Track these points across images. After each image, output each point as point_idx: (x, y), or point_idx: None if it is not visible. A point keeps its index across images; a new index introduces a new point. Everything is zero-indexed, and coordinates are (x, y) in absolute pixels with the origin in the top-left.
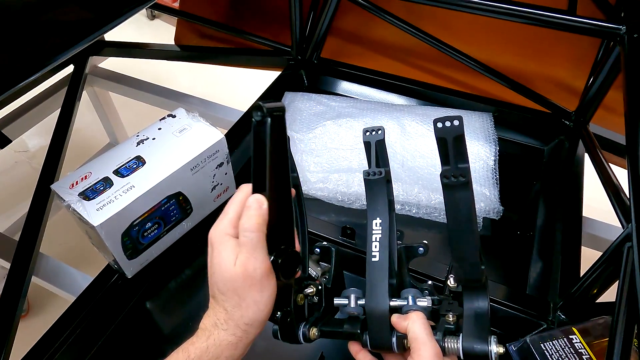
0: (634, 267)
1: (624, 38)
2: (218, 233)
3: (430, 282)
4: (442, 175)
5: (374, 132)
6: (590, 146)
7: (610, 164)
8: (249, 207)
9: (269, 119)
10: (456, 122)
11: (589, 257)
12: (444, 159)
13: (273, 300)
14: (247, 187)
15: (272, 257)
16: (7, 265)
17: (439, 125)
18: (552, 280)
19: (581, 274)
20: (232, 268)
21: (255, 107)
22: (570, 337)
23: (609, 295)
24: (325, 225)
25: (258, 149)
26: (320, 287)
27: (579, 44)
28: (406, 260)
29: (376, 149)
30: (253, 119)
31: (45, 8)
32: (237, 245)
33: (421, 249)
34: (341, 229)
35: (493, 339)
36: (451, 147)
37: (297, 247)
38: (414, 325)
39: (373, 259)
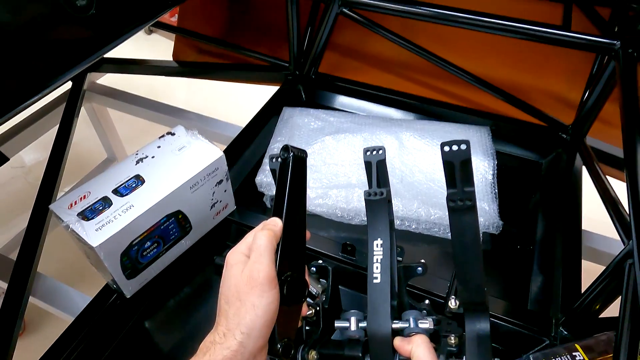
0: (636, 284)
1: (619, 53)
2: (235, 253)
3: (427, 301)
4: (449, 199)
5: (374, 152)
6: (588, 159)
7: (608, 177)
8: (266, 224)
9: (292, 159)
10: (463, 147)
11: (589, 270)
12: (450, 182)
13: (272, 313)
14: (266, 223)
15: (279, 282)
16: (4, 284)
17: (446, 149)
18: (553, 295)
19: (582, 288)
20: (239, 275)
21: (283, 148)
22: (574, 354)
23: (611, 310)
24: (325, 242)
25: (281, 182)
26: (318, 308)
27: (574, 57)
28: (404, 280)
29: (377, 168)
30: (280, 158)
31: (42, 32)
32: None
33: (420, 268)
34: (341, 246)
35: None
36: (458, 171)
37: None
38: (418, 350)
39: (374, 281)
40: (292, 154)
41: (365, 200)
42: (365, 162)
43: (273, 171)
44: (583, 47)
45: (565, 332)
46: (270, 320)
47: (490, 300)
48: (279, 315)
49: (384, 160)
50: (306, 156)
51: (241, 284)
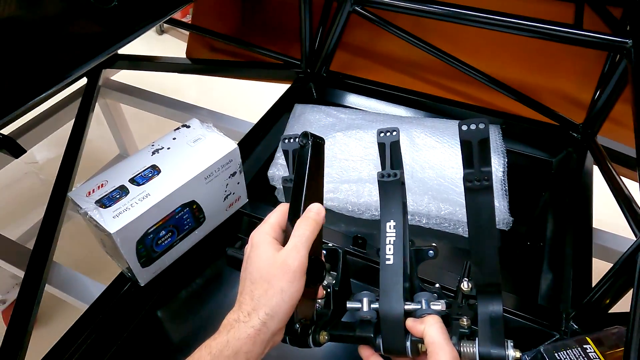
0: None
1: (631, 51)
2: (259, 233)
3: (438, 285)
4: (465, 179)
5: (388, 134)
6: (600, 158)
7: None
8: (310, 211)
9: (311, 144)
10: (482, 125)
11: (599, 268)
12: (467, 162)
13: (296, 299)
14: (286, 205)
15: None
16: (19, 272)
17: (464, 127)
18: (563, 290)
19: (593, 285)
20: (272, 257)
21: (303, 134)
22: (585, 346)
23: (622, 305)
24: (336, 235)
25: (300, 167)
26: (329, 290)
27: (585, 56)
28: (416, 263)
29: (391, 150)
30: (299, 143)
31: (62, 24)
32: (277, 244)
33: (431, 252)
34: (352, 239)
35: (510, 343)
36: (476, 150)
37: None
38: (431, 329)
39: (387, 262)
40: (311, 139)
41: (379, 181)
42: (378, 143)
43: (285, 152)
44: (595, 46)
45: (575, 327)
46: (294, 305)
47: None
48: (301, 297)
49: (398, 141)
50: (324, 143)
51: (273, 267)
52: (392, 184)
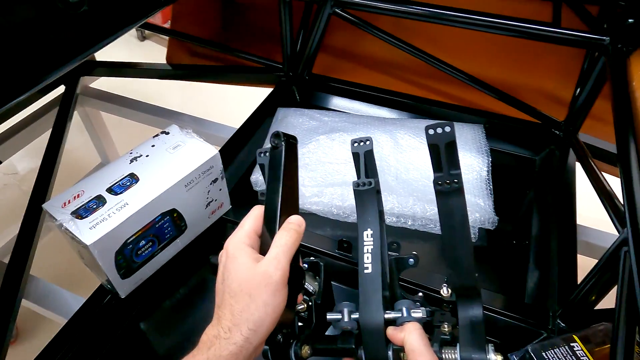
0: (631, 271)
1: (609, 48)
2: (235, 242)
3: (420, 293)
4: (435, 182)
5: (362, 143)
6: (582, 155)
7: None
8: (290, 222)
9: (284, 145)
10: (447, 129)
11: (584, 265)
12: (437, 165)
13: (280, 311)
14: (261, 208)
15: None
16: None
17: (431, 132)
18: (550, 288)
19: (578, 282)
20: (252, 269)
21: (274, 135)
22: (572, 344)
23: (608, 301)
24: (321, 239)
25: (273, 169)
26: (310, 304)
27: (565, 55)
28: (397, 272)
29: (365, 159)
30: (271, 144)
31: (31, 29)
32: (255, 253)
33: (411, 260)
34: (337, 243)
35: (490, 347)
36: (443, 153)
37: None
38: (411, 337)
39: (365, 271)
40: (284, 139)
41: (354, 190)
42: (352, 153)
43: (262, 166)
44: (573, 44)
45: (562, 325)
46: (278, 318)
47: (487, 295)
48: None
49: (372, 150)
50: (296, 142)
51: (254, 279)
52: (367, 192)
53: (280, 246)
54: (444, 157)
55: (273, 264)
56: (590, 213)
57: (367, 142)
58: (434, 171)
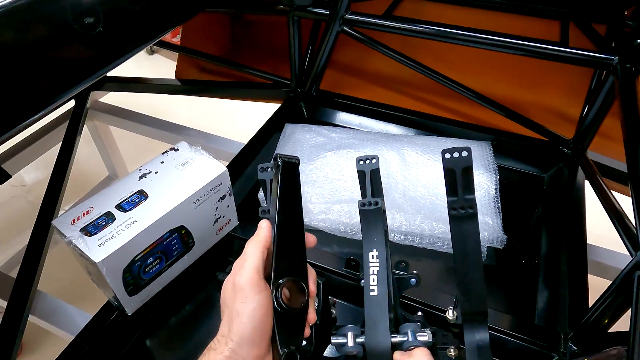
0: None
1: (617, 68)
2: (236, 263)
3: (420, 313)
4: (450, 207)
5: (367, 161)
6: (591, 173)
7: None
8: (258, 228)
9: (282, 165)
10: (464, 153)
11: (595, 285)
12: (451, 190)
13: (258, 317)
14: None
15: (272, 288)
16: (3, 303)
17: (447, 156)
18: (560, 309)
19: (590, 303)
20: (228, 281)
21: (273, 158)
22: None
23: (621, 325)
24: (329, 257)
25: (273, 188)
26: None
27: (572, 73)
28: (398, 292)
29: (371, 178)
30: (271, 169)
31: (47, 50)
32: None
33: (413, 280)
34: (345, 261)
35: None
36: (459, 178)
37: (312, 287)
38: None
39: (371, 293)
40: (280, 160)
41: (360, 210)
42: (358, 171)
43: (262, 182)
44: (581, 63)
45: (574, 348)
46: (260, 326)
47: (496, 316)
48: (278, 321)
49: (378, 169)
50: (298, 162)
51: (228, 291)
52: (373, 212)
53: (243, 253)
54: (460, 182)
55: (238, 271)
56: (601, 232)
57: (374, 161)
58: (448, 195)
